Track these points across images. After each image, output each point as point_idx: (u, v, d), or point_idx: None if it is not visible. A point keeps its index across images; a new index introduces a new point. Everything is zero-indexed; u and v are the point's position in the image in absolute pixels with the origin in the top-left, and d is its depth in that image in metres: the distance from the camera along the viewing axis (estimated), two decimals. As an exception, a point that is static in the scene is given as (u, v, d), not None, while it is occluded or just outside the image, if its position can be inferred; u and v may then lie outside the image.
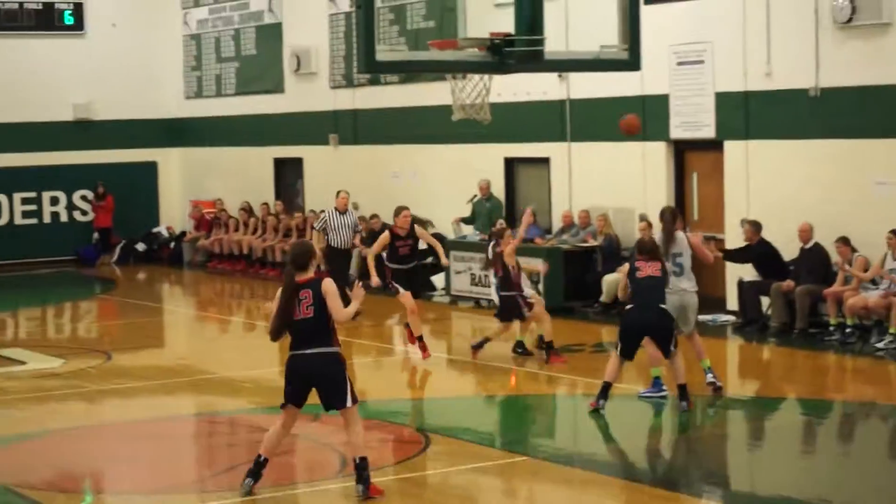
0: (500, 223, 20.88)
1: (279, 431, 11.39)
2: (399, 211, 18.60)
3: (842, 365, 17.38)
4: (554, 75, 22.24)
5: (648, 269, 14.13)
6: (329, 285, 11.06)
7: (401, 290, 18.04)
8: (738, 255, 19.55)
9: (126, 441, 14.28)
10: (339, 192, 21.82)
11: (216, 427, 15.01)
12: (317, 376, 11.13)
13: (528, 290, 17.51)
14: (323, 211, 23.14)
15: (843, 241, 18.42)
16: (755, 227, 19.40)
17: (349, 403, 11.09)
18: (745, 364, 18.42)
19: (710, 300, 19.95)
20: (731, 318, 19.87)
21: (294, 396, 11.30)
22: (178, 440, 14.48)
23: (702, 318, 19.74)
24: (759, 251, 19.40)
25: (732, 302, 20.11)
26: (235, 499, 11.43)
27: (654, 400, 14.59)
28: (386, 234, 18.46)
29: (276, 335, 11.31)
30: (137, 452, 13.68)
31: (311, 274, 11.10)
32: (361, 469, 11.11)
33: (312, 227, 22.97)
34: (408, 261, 18.39)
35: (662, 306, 14.10)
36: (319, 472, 12.68)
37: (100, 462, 13.52)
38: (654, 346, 14.24)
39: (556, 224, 22.94)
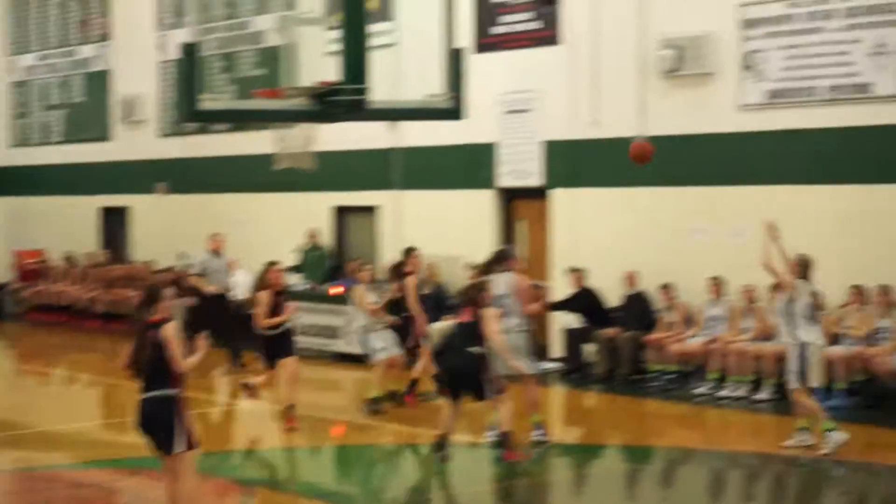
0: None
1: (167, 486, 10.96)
2: (270, 265, 16.68)
3: (663, 411, 17.49)
4: (383, 123, 22.20)
5: (463, 314, 13.95)
6: (167, 330, 10.61)
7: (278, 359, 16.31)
8: (565, 306, 19.63)
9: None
10: (213, 235, 21.60)
11: (34, 483, 14.53)
12: (150, 420, 10.70)
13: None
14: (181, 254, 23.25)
15: (667, 287, 18.65)
16: (580, 274, 19.53)
17: (179, 449, 10.65)
18: (570, 411, 18.48)
19: (535, 348, 19.95)
20: (556, 365, 19.93)
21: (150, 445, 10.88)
22: (-7, 497, 13.99)
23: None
24: (583, 299, 19.52)
25: (557, 349, 20.20)
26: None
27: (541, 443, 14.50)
28: (264, 294, 16.38)
29: (131, 371, 10.85)
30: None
31: (160, 314, 10.67)
32: None
33: (190, 275, 22.41)
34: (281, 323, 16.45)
35: (470, 350, 13.68)
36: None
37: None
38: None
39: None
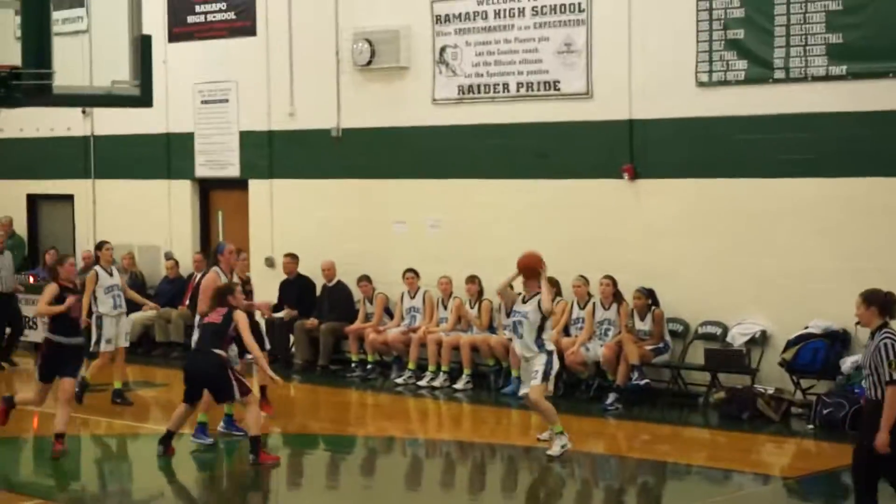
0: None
1: None
2: (64, 259, 14.57)
3: (363, 400, 17.59)
4: (78, 111, 21.74)
5: (213, 315, 13.64)
6: None
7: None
8: (285, 294, 19.50)
9: None
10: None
11: None
12: None
13: None
14: None
15: (366, 279, 18.76)
16: (293, 261, 19.47)
17: None
18: (273, 401, 18.36)
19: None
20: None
21: None
22: None
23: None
24: (299, 285, 19.46)
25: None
26: None
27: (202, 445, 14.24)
28: (53, 286, 14.01)
29: None
30: None
31: None
32: None
33: None
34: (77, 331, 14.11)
35: (215, 351, 13.37)
36: None
37: None
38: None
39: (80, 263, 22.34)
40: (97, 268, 16.92)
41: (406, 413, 16.98)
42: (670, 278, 16.51)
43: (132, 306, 17.84)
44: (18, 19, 21.01)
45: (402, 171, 18.80)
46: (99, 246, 17.25)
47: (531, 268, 13.51)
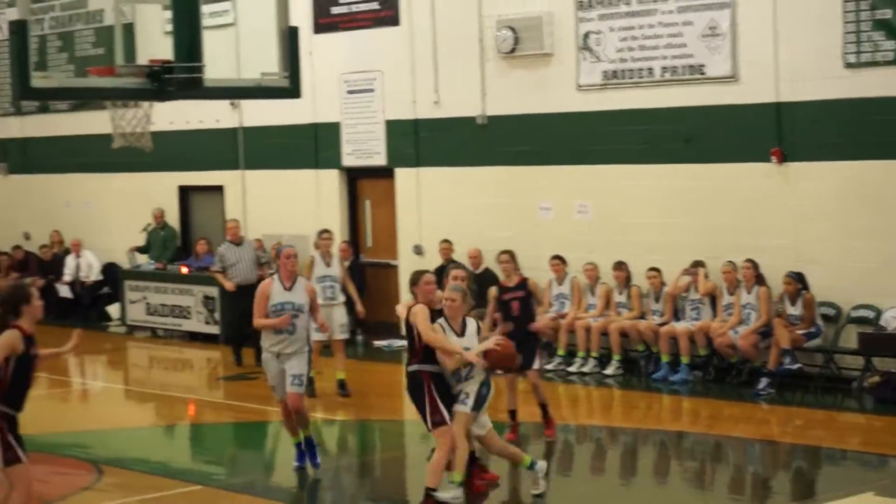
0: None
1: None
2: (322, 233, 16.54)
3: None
4: (226, 103, 22.08)
5: None
6: (2, 336, 9.40)
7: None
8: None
9: None
10: (227, 222, 20.08)
11: None
12: None
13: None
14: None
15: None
16: (448, 246, 19.54)
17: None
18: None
19: (384, 326, 20.10)
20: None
21: None
22: None
23: (377, 343, 20.02)
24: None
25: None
26: None
27: None
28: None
29: None
30: None
31: (26, 324, 9.52)
32: None
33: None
34: None
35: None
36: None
37: None
38: None
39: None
40: (315, 254, 17.06)
41: (556, 399, 16.98)
42: (821, 262, 16.31)
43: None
44: (167, 14, 21.52)
45: (548, 158, 18.80)
46: (320, 234, 17.27)
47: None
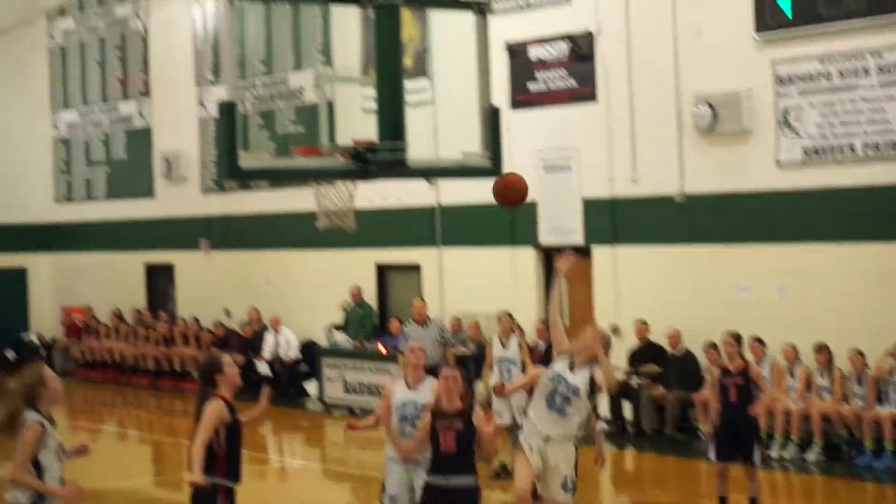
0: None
1: None
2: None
3: (711, 469, 17.30)
4: (423, 181, 22.28)
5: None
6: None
7: None
8: (638, 359, 19.46)
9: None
10: (413, 301, 20.13)
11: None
12: None
13: None
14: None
15: (713, 346, 18.50)
16: (644, 326, 19.43)
17: None
18: (618, 470, 18.33)
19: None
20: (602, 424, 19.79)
21: None
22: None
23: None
24: (651, 351, 19.39)
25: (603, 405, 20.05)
26: None
27: None
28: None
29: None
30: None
31: (224, 393, 9.81)
32: None
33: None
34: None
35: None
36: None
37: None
38: None
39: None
40: (493, 336, 17.02)
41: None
42: None
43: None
44: (366, 92, 21.87)
45: (747, 236, 18.55)
46: (499, 316, 17.05)
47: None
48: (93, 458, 11.92)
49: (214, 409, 9.66)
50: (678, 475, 17.31)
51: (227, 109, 13.85)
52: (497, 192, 11.77)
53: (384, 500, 11.57)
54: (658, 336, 19.27)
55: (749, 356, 17.96)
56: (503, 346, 16.70)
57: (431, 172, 15.94)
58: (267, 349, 25.11)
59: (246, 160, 14.73)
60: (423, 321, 19.36)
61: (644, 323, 19.41)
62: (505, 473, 16.11)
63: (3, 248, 31.92)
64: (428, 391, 11.56)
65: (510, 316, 17.23)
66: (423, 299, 20.21)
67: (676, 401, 18.82)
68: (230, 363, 10.03)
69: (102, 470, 18.57)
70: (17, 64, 32.21)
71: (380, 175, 14.69)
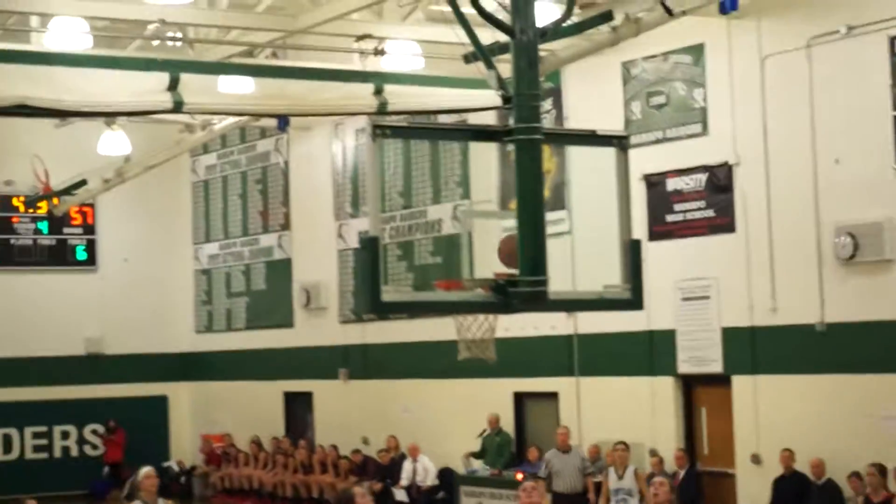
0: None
1: None
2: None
3: None
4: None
5: None
6: None
7: None
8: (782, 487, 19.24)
9: None
10: (558, 429, 20.38)
11: None
12: None
13: None
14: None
15: (857, 475, 18.29)
16: (789, 455, 19.22)
17: None
18: None
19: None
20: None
21: None
22: None
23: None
24: (795, 480, 19.14)
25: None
26: None
27: None
28: None
29: None
30: None
31: None
32: None
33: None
34: None
35: None
36: None
37: None
38: None
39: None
40: (609, 468, 16.95)
41: None
42: None
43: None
44: (503, 223, 22.09)
45: (891, 365, 18.35)
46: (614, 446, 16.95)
47: None
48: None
49: None
50: None
51: (370, 244, 14.11)
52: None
53: None
54: (800, 465, 19.05)
55: (893, 488, 17.76)
56: (619, 476, 16.70)
57: (572, 306, 16.03)
58: (405, 476, 25.23)
59: (388, 294, 15.02)
60: (566, 449, 19.39)
61: (789, 451, 19.20)
62: None
63: (147, 377, 32.57)
64: None
65: (625, 446, 17.18)
66: (566, 427, 20.26)
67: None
68: (362, 494, 10.18)
69: None
70: (162, 198, 33.07)
71: (521, 309, 14.82)
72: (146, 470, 12.53)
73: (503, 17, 10.55)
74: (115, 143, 26.34)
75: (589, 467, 19.91)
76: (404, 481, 25.18)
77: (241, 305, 31.53)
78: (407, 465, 25.33)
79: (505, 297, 14.38)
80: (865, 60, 18.65)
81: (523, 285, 14.30)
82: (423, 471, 25.14)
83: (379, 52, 18.86)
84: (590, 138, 16.90)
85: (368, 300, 14.24)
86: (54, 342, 31.75)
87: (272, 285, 30.43)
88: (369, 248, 14.09)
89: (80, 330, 32.17)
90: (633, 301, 14.88)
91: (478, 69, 12.13)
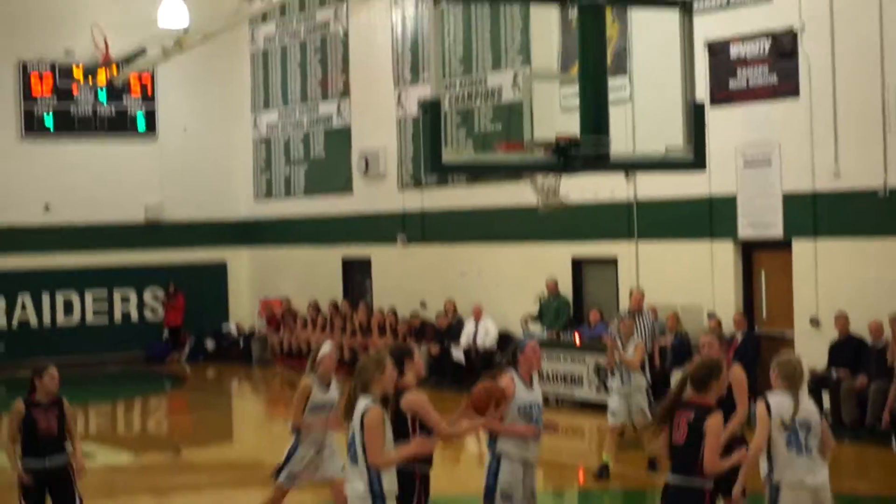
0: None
1: None
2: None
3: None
4: (621, 175, 22.39)
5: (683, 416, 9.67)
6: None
7: None
8: (838, 354, 19.37)
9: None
10: (633, 290, 20.58)
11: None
12: None
13: None
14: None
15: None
16: (845, 319, 19.31)
17: None
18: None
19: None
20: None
21: None
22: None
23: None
24: (851, 344, 19.25)
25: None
26: None
27: None
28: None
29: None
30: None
31: (409, 380, 10.09)
32: None
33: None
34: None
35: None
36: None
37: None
38: None
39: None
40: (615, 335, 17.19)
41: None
42: None
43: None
44: (563, 90, 22.13)
45: (952, 231, 18.38)
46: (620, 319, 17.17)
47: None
48: (289, 443, 12.47)
49: (419, 400, 10.01)
50: (879, 465, 17.22)
51: (432, 107, 14.24)
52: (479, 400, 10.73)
53: (497, 499, 11.11)
54: (859, 328, 19.14)
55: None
56: (623, 347, 16.88)
57: (634, 166, 16.11)
58: (464, 338, 25.47)
59: (449, 155, 15.14)
60: (638, 311, 19.51)
61: (844, 316, 19.29)
62: (606, 473, 16.26)
63: (206, 243, 32.97)
64: (538, 389, 11.44)
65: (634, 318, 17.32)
66: (641, 290, 20.39)
67: (878, 391, 18.69)
68: (418, 354, 10.41)
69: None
70: (221, 68, 33.19)
71: (583, 169, 14.91)
72: (327, 350, 12.56)
73: None
74: (174, 13, 26.39)
75: (660, 329, 20.14)
76: (464, 342, 25.43)
77: (300, 173, 31.73)
78: (468, 327, 25.60)
79: (566, 158, 14.53)
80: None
81: (585, 146, 14.44)
82: (483, 332, 25.40)
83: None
84: (654, 1, 16.95)
85: (430, 161, 14.44)
86: (114, 210, 32.15)
87: (331, 152, 30.58)
88: (431, 111, 14.24)
89: (140, 198, 32.51)
90: (696, 161, 14.97)
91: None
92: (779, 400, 10.04)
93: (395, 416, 9.78)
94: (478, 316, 25.45)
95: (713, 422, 9.26)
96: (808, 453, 10.01)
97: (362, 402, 9.36)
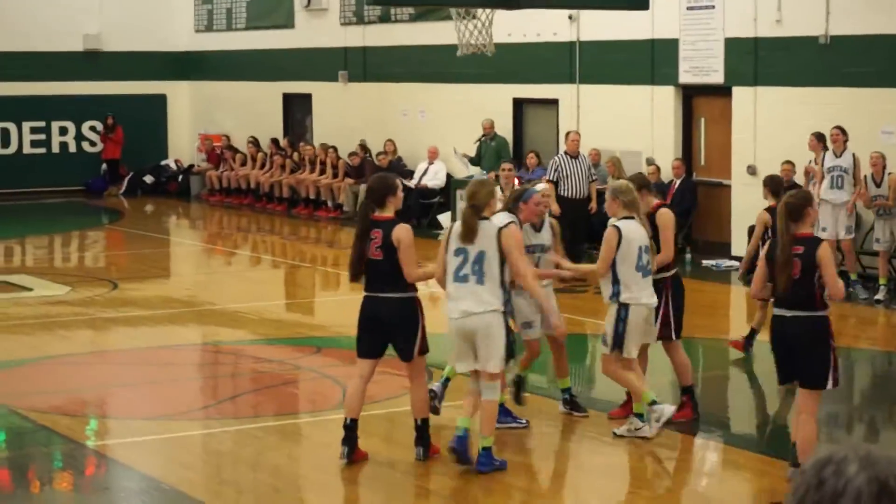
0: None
1: (357, 386, 10.26)
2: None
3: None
4: (564, 16, 22.26)
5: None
6: (401, 232, 9.84)
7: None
8: None
9: (131, 368, 14.44)
10: (568, 133, 20.12)
11: (219, 357, 15.14)
12: (383, 322, 10.07)
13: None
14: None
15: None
16: (789, 168, 19.31)
17: (414, 356, 10.12)
18: (743, 310, 18.43)
19: (715, 245, 20.13)
20: (736, 263, 19.82)
21: (365, 344, 10.22)
22: (181, 368, 14.63)
23: (705, 262, 20.00)
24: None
25: (738, 247, 20.07)
26: (237, 426, 11.56)
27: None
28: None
29: (350, 274, 10.26)
30: (142, 379, 13.85)
31: (388, 213, 10.00)
32: (422, 431, 10.25)
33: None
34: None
35: None
36: (321, 403, 12.80)
37: (104, 387, 13.68)
38: None
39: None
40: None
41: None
42: None
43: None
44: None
45: (892, 80, 18.36)
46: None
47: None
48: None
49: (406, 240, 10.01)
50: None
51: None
52: None
53: (520, 328, 11.10)
54: (796, 177, 19.23)
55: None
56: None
57: (577, 3, 16.03)
58: (416, 177, 25.25)
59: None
60: (575, 154, 19.51)
61: (790, 163, 19.23)
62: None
63: (145, 76, 32.51)
64: (548, 232, 11.39)
65: (512, 170, 17.08)
66: (578, 132, 20.33)
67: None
68: (401, 188, 10.25)
69: (236, 291, 19.22)
70: None
71: (526, 4, 14.82)
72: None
73: None
74: None
75: (594, 174, 20.08)
76: (412, 183, 25.19)
77: (241, 4, 31.24)
78: (421, 166, 25.47)
79: (509, -8, 14.42)
80: None
81: (530, -20, 14.33)
82: (433, 174, 25.29)
83: None
84: None
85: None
86: (52, 38, 31.54)
87: (273, -15, 30.13)
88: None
89: (79, 26, 31.94)
90: (639, 1, 14.92)
91: None
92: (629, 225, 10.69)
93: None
94: (433, 157, 25.33)
95: (824, 251, 9.38)
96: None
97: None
